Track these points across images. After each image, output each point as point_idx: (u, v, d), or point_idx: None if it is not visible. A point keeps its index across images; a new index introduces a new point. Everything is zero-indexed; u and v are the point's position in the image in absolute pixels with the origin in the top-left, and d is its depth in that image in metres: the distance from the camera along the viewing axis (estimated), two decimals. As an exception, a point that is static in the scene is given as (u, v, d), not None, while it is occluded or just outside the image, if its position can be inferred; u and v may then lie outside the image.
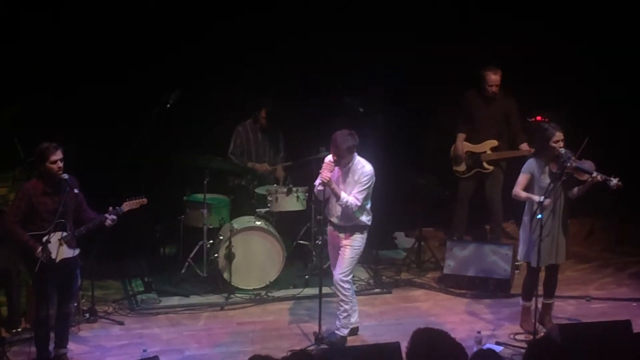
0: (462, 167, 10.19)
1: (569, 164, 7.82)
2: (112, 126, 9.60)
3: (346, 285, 8.07)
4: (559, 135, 7.95)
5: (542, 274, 8.35)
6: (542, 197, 7.79)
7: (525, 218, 8.18)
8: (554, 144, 7.95)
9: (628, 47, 10.81)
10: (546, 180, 7.99)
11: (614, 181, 7.78)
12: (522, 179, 8.11)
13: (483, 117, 10.02)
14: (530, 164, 8.10)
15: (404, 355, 6.10)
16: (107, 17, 9.61)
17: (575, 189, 8.04)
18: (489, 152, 10.08)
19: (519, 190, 8.10)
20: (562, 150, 7.90)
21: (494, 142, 10.05)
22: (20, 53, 9.43)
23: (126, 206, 7.80)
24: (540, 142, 8.10)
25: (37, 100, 9.41)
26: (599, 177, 7.80)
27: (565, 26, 10.64)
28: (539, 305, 8.18)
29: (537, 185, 8.05)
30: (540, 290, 8.35)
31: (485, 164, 10.09)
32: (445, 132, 10.35)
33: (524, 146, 9.80)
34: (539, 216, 7.75)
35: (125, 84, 9.68)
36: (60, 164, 7.39)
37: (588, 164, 7.92)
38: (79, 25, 9.54)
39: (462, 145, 10.13)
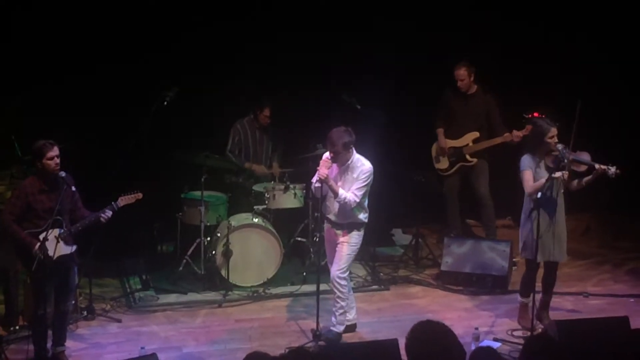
0: (445, 164, 10.20)
1: (566, 158, 7.84)
2: (109, 123, 9.59)
3: (343, 282, 8.07)
4: (553, 131, 7.97)
5: (540, 270, 8.36)
6: (539, 194, 7.78)
7: (524, 214, 8.19)
8: (549, 140, 7.96)
9: (627, 43, 10.83)
10: (542, 174, 7.99)
11: (612, 169, 7.82)
12: (528, 175, 7.97)
13: (463, 112, 10.06)
14: (527, 161, 8.06)
15: (401, 352, 6.12)
16: (105, 12, 9.59)
17: (575, 182, 8.07)
18: (470, 144, 10.08)
19: (534, 183, 7.94)
20: (559, 146, 7.91)
21: (475, 134, 10.07)
22: (19, 50, 9.41)
23: (122, 201, 7.80)
24: (535, 138, 8.10)
25: (34, 98, 9.39)
26: (602, 167, 7.83)
27: (563, 21, 10.66)
28: (537, 302, 8.19)
29: (535, 180, 8.04)
30: (539, 286, 8.36)
31: (468, 157, 10.09)
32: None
33: (507, 135, 9.78)
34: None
35: (122, 80, 9.66)
36: (57, 160, 7.40)
37: (585, 155, 7.96)
38: (77, 21, 9.52)
39: (445, 140, 10.14)
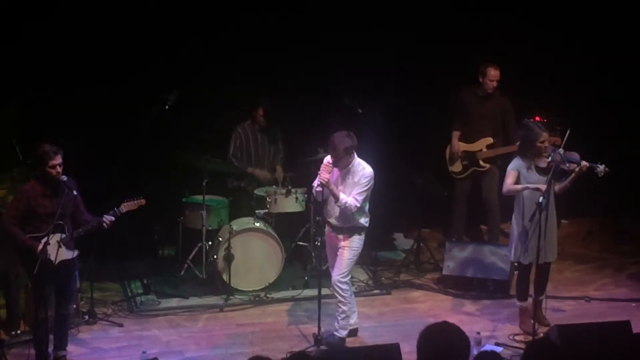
0: (458, 167, 10.19)
1: (558, 159, 7.92)
2: (110, 127, 9.58)
3: (344, 287, 8.07)
4: (544, 136, 8.11)
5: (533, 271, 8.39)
6: (541, 198, 7.82)
7: (515, 218, 8.24)
8: (540, 144, 8.08)
9: (626, 45, 10.83)
10: (533, 176, 8.12)
11: (601, 167, 7.88)
12: (512, 176, 8.18)
13: (479, 115, 10.02)
14: (517, 163, 8.20)
15: (403, 356, 6.12)
16: (107, 17, 9.59)
17: (563, 183, 8.14)
18: (484, 149, 10.07)
19: (512, 185, 8.14)
20: (550, 148, 8.02)
21: (489, 140, 10.05)
22: (19, 52, 9.42)
23: (124, 207, 7.78)
24: (526, 142, 8.18)
25: (36, 100, 9.39)
26: (588, 165, 7.90)
27: (561, 24, 10.68)
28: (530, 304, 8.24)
29: (524, 181, 8.14)
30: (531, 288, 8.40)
31: (481, 162, 10.08)
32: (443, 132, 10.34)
33: None
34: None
35: (124, 84, 9.66)
36: (59, 169, 7.38)
37: (575, 155, 8.04)
38: (78, 25, 9.51)
39: (458, 144, 10.12)
